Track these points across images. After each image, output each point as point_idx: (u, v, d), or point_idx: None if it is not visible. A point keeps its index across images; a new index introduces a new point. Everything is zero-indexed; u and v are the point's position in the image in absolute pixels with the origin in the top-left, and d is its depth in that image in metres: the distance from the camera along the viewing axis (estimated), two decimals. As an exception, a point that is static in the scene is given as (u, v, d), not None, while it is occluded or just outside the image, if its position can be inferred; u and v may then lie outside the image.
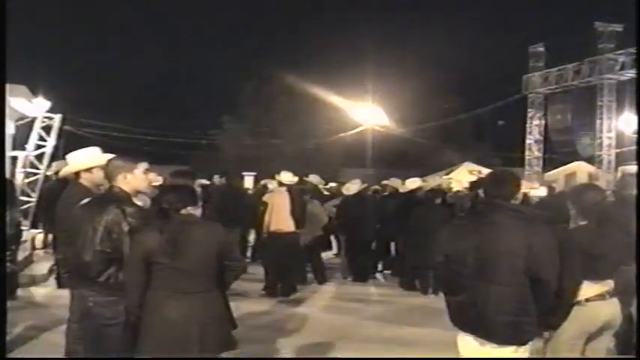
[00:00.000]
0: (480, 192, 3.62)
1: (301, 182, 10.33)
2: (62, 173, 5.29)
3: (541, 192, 14.42)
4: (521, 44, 34.05)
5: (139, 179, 3.90)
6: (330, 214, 10.47)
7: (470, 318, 3.32)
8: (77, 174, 4.56)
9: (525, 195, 9.32)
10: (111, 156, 4.48)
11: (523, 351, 3.29)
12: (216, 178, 10.74)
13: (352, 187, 10.44)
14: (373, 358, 5.86)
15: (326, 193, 13.25)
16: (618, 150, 29.16)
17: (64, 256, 4.39)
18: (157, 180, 8.05)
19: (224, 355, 3.59)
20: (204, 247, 3.48)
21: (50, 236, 9.94)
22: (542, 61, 32.68)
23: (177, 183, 5.48)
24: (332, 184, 16.26)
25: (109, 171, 3.89)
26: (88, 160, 4.57)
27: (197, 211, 3.60)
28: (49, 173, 12.55)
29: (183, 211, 3.52)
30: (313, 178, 11.75)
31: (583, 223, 3.87)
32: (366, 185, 11.19)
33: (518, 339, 3.28)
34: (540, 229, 3.39)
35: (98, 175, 4.48)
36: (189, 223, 3.51)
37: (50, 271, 8.90)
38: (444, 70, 37.43)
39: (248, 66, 37.36)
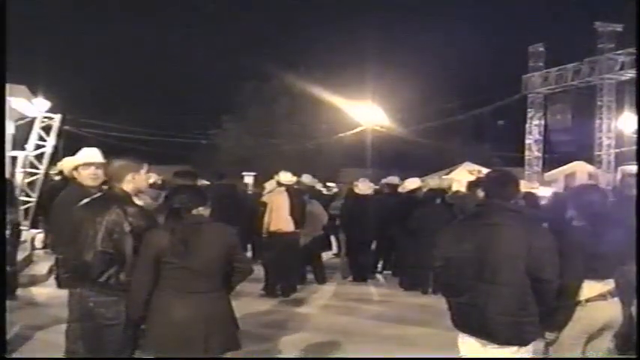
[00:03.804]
0: (479, 192, 3.60)
1: (297, 182, 10.26)
2: (52, 171, 5.35)
3: (541, 192, 14.37)
4: (521, 44, 34.07)
5: (143, 179, 3.92)
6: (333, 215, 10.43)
7: (471, 320, 3.32)
8: (74, 173, 4.58)
9: (531, 194, 9.13)
10: (96, 153, 4.51)
11: (524, 351, 3.30)
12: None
13: (365, 188, 10.40)
14: (373, 357, 5.86)
15: (325, 193, 13.15)
16: (618, 150, 29.19)
17: (64, 256, 4.38)
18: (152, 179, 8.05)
19: (228, 355, 3.60)
20: (214, 248, 3.50)
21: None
22: (542, 61, 32.70)
23: (182, 183, 5.49)
24: (330, 184, 16.20)
25: (115, 171, 3.85)
26: (76, 158, 4.60)
27: (207, 212, 3.61)
28: (53, 172, 12.56)
29: (194, 211, 3.53)
30: (306, 178, 11.58)
31: (583, 223, 3.87)
32: (375, 187, 11.15)
33: (519, 339, 3.28)
34: (539, 229, 3.41)
35: (95, 174, 4.48)
36: (200, 223, 3.53)
37: (50, 271, 8.89)
38: (444, 70, 37.45)
39: (248, 66, 37.33)
